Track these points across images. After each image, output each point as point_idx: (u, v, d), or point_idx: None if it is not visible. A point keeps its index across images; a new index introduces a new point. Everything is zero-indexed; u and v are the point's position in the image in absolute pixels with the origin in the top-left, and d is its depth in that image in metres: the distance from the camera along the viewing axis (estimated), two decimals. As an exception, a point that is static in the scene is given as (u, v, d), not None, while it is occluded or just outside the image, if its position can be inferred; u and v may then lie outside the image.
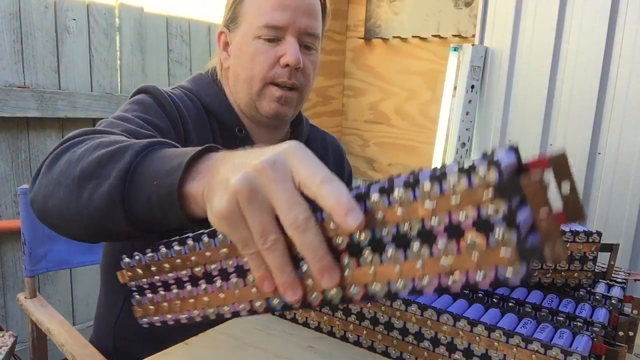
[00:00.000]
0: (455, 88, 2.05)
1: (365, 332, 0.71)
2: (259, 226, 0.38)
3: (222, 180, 0.40)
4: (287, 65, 0.88)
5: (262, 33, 0.88)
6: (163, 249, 0.49)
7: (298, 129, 1.03)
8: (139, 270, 0.52)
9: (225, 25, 0.95)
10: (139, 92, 0.88)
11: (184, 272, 0.48)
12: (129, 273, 0.53)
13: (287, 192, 0.37)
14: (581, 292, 0.77)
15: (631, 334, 0.69)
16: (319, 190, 0.37)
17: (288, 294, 0.39)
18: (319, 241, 0.37)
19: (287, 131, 1.02)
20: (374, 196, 0.37)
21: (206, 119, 0.93)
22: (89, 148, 0.57)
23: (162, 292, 0.51)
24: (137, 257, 0.52)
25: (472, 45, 1.98)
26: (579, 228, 0.78)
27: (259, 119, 0.94)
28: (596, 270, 0.79)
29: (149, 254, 0.51)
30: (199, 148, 0.48)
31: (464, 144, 2.03)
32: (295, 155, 0.40)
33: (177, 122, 0.86)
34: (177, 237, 0.48)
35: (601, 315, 0.69)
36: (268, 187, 0.38)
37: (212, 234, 0.45)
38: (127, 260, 0.53)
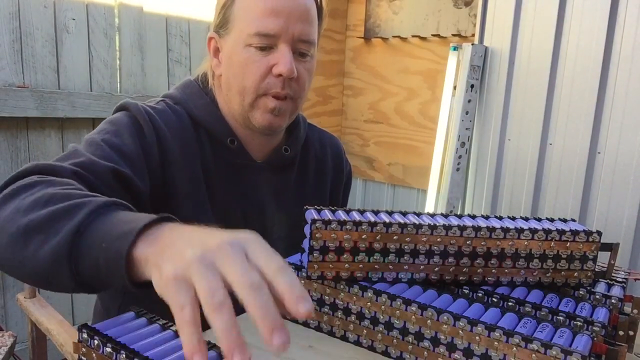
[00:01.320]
0: (454, 87, 2.05)
1: (365, 332, 0.71)
2: (208, 286, 0.39)
3: (177, 252, 0.42)
4: (280, 75, 0.84)
5: (253, 41, 0.84)
6: (123, 356, 0.51)
7: (294, 134, 1.01)
8: (94, 356, 0.54)
9: (215, 30, 0.90)
10: (120, 109, 0.87)
11: None
12: (84, 349, 0.55)
13: (243, 262, 0.40)
14: (581, 292, 0.77)
15: (631, 333, 0.69)
16: (274, 277, 0.40)
17: (236, 356, 0.38)
18: (271, 302, 0.39)
19: (282, 136, 0.99)
20: None
21: (193, 132, 0.90)
22: (40, 200, 0.57)
23: None
24: (95, 342, 0.53)
25: (472, 44, 1.98)
26: (579, 227, 0.78)
27: (252, 129, 0.91)
28: (596, 270, 0.79)
29: (109, 349, 0.52)
30: (153, 217, 0.49)
31: (463, 144, 2.03)
32: (253, 243, 0.43)
33: (151, 145, 0.83)
34: (142, 356, 0.50)
35: (601, 314, 0.69)
36: (224, 261, 0.40)
37: None
38: (85, 336, 0.54)
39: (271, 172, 0.97)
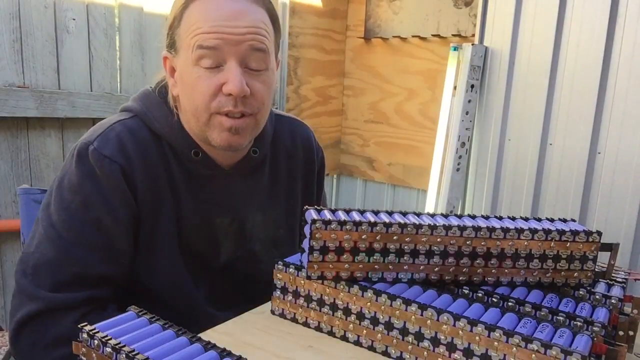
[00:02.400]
0: (455, 88, 2.04)
1: (365, 332, 0.71)
2: None
3: None
4: (230, 94, 0.80)
5: (199, 56, 0.80)
6: (123, 356, 0.52)
7: (261, 133, 0.94)
8: (94, 356, 0.55)
9: (167, 50, 0.87)
10: (79, 154, 0.82)
11: None
12: (84, 349, 0.56)
13: None
14: (581, 292, 0.77)
15: (631, 333, 0.69)
16: None
17: None
18: None
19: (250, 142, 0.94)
20: None
21: (155, 147, 0.87)
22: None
23: None
24: (96, 342, 0.54)
25: (472, 44, 1.98)
26: (579, 227, 0.78)
27: (215, 147, 0.87)
28: (596, 270, 0.79)
29: (109, 349, 0.53)
30: None
31: (463, 144, 2.03)
32: None
33: (117, 188, 0.82)
34: (142, 356, 0.52)
35: (601, 314, 0.69)
36: None
37: None
38: (85, 336, 0.55)
39: (242, 176, 0.94)
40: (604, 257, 0.79)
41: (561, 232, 0.75)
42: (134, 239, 0.85)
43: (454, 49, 2.04)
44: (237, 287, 0.94)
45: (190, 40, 0.80)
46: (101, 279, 0.81)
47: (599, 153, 1.75)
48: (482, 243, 0.74)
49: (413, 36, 2.42)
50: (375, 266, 0.73)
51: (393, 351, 0.69)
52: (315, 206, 0.75)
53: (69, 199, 0.81)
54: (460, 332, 0.63)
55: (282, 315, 0.79)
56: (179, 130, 0.88)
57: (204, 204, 0.91)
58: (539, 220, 0.81)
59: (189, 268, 0.90)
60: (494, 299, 0.72)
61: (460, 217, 0.79)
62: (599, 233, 0.76)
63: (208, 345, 0.55)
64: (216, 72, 0.80)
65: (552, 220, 0.82)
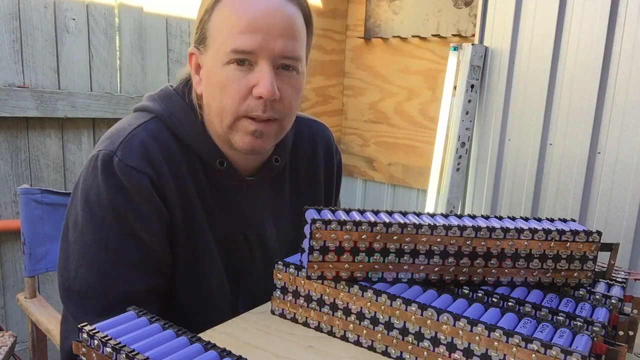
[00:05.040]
0: (455, 87, 2.04)
1: (365, 331, 0.71)
2: None
3: None
4: (261, 97, 0.77)
5: (230, 58, 0.77)
6: (123, 356, 0.52)
7: (282, 140, 0.92)
8: (94, 356, 0.55)
9: (195, 45, 0.83)
10: (104, 166, 0.78)
11: None
12: (84, 349, 0.56)
13: None
14: (581, 292, 0.77)
15: (631, 333, 0.69)
16: None
17: None
18: None
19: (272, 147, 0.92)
20: None
21: (179, 153, 0.83)
22: None
23: None
24: (96, 342, 0.54)
25: (472, 44, 1.98)
26: (579, 227, 0.78)
27: (236, 150, 0.85)
28: (596, 270, 0.79)
29: (109, 349, 0.53)
30: None
31: (463, 144, 2.03)
32: None
33: (148, 200, 0.78)
34: (142, 356, 0.52)
35: (601, 314, 0.69)
36: None
37: None
38: (85, 336, 0.55)
39: (264, 186, 0.92)
40: (604, 257, 0.79)
41: (561, 232, 0.75)
42: (171, 248, 0.82)
43: (454, 49, 2.04)
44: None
45: (222, 39, 0.78)
46: (146, 292, 0.80)
47: (599, 153, 1.75)
48: (482, 243, 0.74)
49: (413, 36, 2.42)
50: (375, 266, 0.73)
51: (393, 351, 0.69)
52: (316, 206, 0.75)
53: (101, 216, 0.78)
54: (460, 332, 0.63)
55: (282, 315, 0.79)
56: (205, 138, 0.85)
57: (231, 217, 0.88)
58: (539, 220, 0.81)
59: (229, 280, 0.88)
60: (494, 299, 0.72)
61: (460, 217, 0.79)
62: (599, 233, 0.76)
63: (208, 345, 0.55)
64: (246, 72, 0.78)
65: (552, 220, 0.82)
